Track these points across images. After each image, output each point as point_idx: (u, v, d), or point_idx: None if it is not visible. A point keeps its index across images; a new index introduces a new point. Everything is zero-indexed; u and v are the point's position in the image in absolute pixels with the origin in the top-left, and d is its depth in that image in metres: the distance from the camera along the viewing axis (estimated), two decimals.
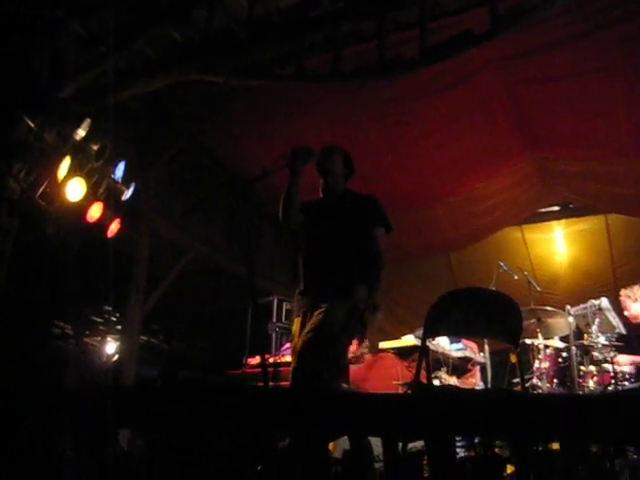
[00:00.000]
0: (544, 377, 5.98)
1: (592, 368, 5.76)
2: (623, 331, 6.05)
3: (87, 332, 8.64)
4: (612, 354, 5.65)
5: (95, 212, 5.27)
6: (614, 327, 6.03)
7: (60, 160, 4.94)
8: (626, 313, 6.27)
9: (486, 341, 6.66)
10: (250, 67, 5.04)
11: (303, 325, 3.88)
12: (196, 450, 2.81)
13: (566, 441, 2.45)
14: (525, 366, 6.01)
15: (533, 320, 6.24)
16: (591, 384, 5.69)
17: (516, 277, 7.10)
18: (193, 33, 5.14)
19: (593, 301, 6.02)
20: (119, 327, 7.18)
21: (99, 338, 8.66)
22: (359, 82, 5.33)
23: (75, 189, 5.05)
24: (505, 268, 7.08)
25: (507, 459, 2.96)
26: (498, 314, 3.86)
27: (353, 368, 6.69)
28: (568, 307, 6.08)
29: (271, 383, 5.24)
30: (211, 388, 3.26)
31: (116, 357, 7.34)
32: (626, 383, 5.59)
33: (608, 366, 5.63)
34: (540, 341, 6.20)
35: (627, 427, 2.33)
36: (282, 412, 2.72)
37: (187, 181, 7.32)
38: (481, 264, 8.46)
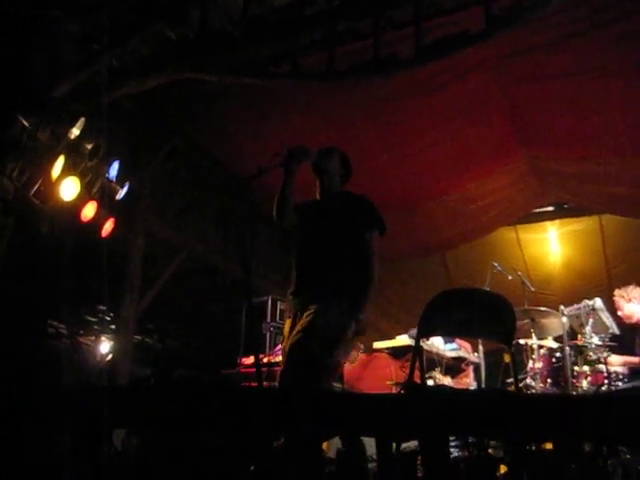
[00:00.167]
0: (538, 377, 5.99)
1: (586, 368, 5.78)
2: (617, 331, 6.07)
3: (81, 331, 8.62)
4: (605, 354, 5.66)
5: (89, 211, 5.26)
6: (608, 327, 6.05)
7: (54, 159, 4.94)
8: (620, 313, 6.29)
9: (480, 341, 6.67)
10: (245, 66, 5.03)
11: (293, 325, 3.87)
12: (190, 449, 2.81)
13: (559, 441, 2.46)
14: (519, 366, 6.02)
15: (527, 320, 6.26)
16: (585, 384, 5.70)
17: (510, 277, 7.11)
18: (188, 32, 5.13)
19: (587, 301, 6.03)
20: (113, 326, 7.16)
21: (93, 337, 8.64)
22: (354, 81, 5.33)
23: (69, 188, 5.04)
24: (499, 268, 7.10)
25: (500, 459, 2.96)
26: (492, 314, 3.87)
27: (347, 368, 6.70)
28: (562, 307, 6.09)
29: (265, 383, 5.24)
30: (204, 387, 3.26)
31: (110, 357, 7.32)
32: (619, 383, 5.60)
33: (602, 366, 5.64)
34: (534, 341, 6.22)
35: (620, 427, 2.33)
36: (276, 411, 2.72)
37: (182, 180, 7.31)
38: (475, 264, 8.48)
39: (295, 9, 4.89)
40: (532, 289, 7.15)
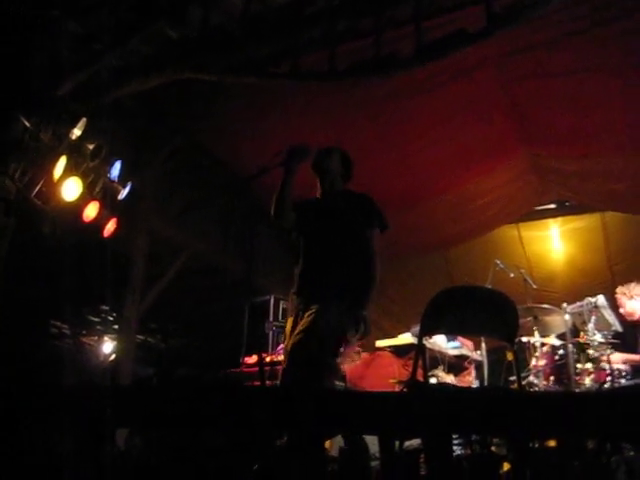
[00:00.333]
0: (541, 375, 5.99)
1: (588, 366, 5.77)
2: (619, 329, 6.06)
3: (84, 332, 8.63)
4: (608, 352, 5.66)
5: (91, 212, 5.27)
6: (610, 325, 6.04)
7: (56, 159, 4.94)
8: (621, 310, 6.28)
9: (483, 339, 6.67)
10: (245, 65, 5.03)
11: (295, 325, 3.87)
12: (193, 448, 2.81)
13: (562, 438, 2.46)
14: (522, 364, 6.02)
15: (530, 318, 6.26)
16: (587, 382, 5.70)
17: (512, 275, 7.11)
18: (188, 31, 5.13)
19: (589, 299, 6.02)
20: (116, 326, 7.18)
21: (96, 337, 8.66)
22: (354, 80, 5.33)
23: (71, 189, 5.05)
24: (501, 266, 7.09)
25: (504, 457, 2.96)
26: (494, 312, 3.87)
27: (350, 367, 6.70)
28: (564, 305, 6.09)
29: (268, 382, 5.24)
30: (207, 387, 3.26)
31: (113, 356, 7.33)
32: (622, 380, 5.60)
33: (604, 364, 5.64)
34: (537, 339, 6.21)
35: (623, 423, 2.33)
36: (278, 410, 2.72)
37: (183, 179, 7.31)
38: (478, 262, 8.47)
39: (295, 8, 4.89)
40: (534, 287, 7.14)
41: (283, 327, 6.55)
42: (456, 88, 5.89)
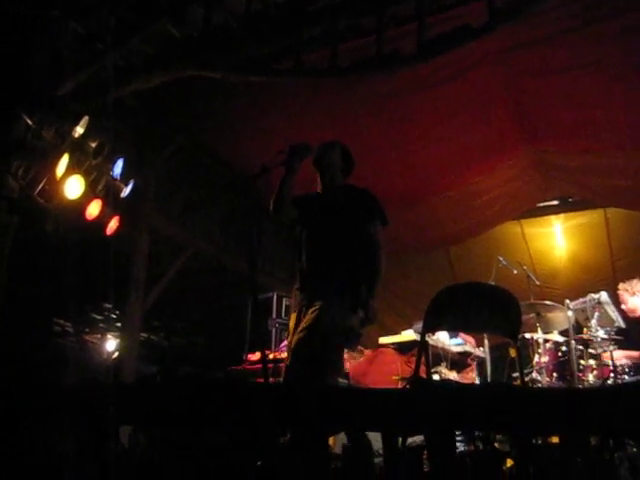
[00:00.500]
0: (544, 371, 5.99)
1: (592, 362, 5.78)
2: (622, 325, 6.06)
3: (87, 330, 8.64)
4: (611, 348, 5.66)
5: (94, 209, 5.27)
6: (613, 321, 6.04)
7: (58, 158, 4.95)
8: (623, 307, 6.28)
9: (485, 336, 6.67)
10: (248, 63, 5.03)
11: (299, 321, 3.88)
12: (196, 446, 2.82)
13: (565, 434, 2.46)
14: (525, 360, 6.02)
15: (532, 314, 6.25)
16: (591, 378, 5.70)
17: (515, 272, 7.10)
18: (191, 29, 5.13)
19: (592, 295, 6.02)
20: (119, 324, 7.19)
21: (99, 335, 8.67)
22: (357, 77, 5.33)
23: (74, 187, 5.05)
24: (504, 263, 7.09)
25: (507, 453, 2.96)
26: (497, 308, 3.87)
27: (353, 363, 6.71)
28: (567, 301, 6.09)
29: (271, 379, 5.25)
30: (210, 384, 3.26)
31: (116, 354, 7.34)
32: (625, 377, 5.60)
33: (607, 360, 5.65)
34: (540, 335, 6.21)
35: (626, 419, 2.33)
36: (282, 408, 2.73)
37: (185, 178, 7.31)
38: (480, 258, 8.47)
39: (298, 5, 4.89)
40: (537, 283, 7.14)
41: (286, 324, 6.57)
42: (459, 85, 5.89)
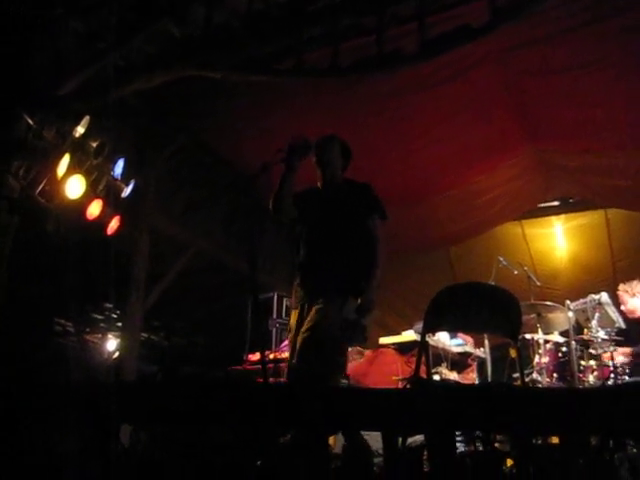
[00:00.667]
0: (544, 372, 5.99)
1: (592, 362, 5.78)
2: (623, 325, 6.06)
3: (88, 329, 8.63)
4: (612, 348, 5.66)
5: (95, 209, 5.27)
6: (614, 322, 6.05)
7: (59, 157, 4.95)
8: (623, 308, 6.29)
9: (486, 336, 6.67)
10: (249, 62, 5.03)
11: (301, 318, 3.88)
12: (199, 444, 2.82)
13: (565, 435, 2.46)
14: (525, 361, 6.02)
15: (533, 315, 6.26)
16: (591, 378, 5.71)
17: (516, 272, 7.10)
18: (192, 29, 5.13)
19: (593, 296, 6.03)
20: (120, 324, 7.18)
21: (100, 335, 8.66)
22: (358, 77, 5.33)
23: (74, 186, 5.05)
24: (505, 263, 7.09)
25: (507, 453, 2.97)
26: (497, 309, 3.87)
27: (353, 364, 6.71)
28: (568, 302, 6.09)
29: (271, 379, 5.25)
30: (211, 385, 3.26)
31: (117, 354, 7.34)
32: (626, 377, 5.60)
33: (608, 361, 5.65)
34: (540, 336, 6.21)
35: (627, 420, 2.34)
36: (283, 407, 2.73)
37: (187, 178, 7.31)
38: (481, 259, 8.47)
39: (299, 5, 4.89)
40: (538, 284, 7.14)
41: (286, 324, 6.57)
42: (459, 84, 5.89)
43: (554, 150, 7.23)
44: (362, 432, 3.34)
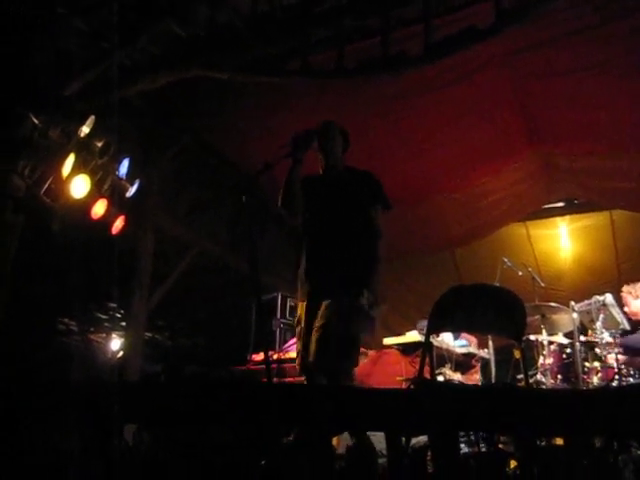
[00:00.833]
0: (548, 373, 5.99)
1: (596, 364, 5.77)
2: (627, 327, 6.05)
3: (92, 329, 8.65)
4: (616, 350, 5.66)
5: (99, 209, 5.28)
6: (619, 323, 6.04)
7: (65, 157, 4.96)
8: (626, 309, 6.27)
9: (490, 337, 6.67)
10: (254, 63, 5.04)
11: (309, 311, 3.87)
12: (201, 444, 2.82)
13: (570, 436, 2.46)
14: (529, 362, 6.01)
15: (537, 316, 6.25)
16: (595, 380, 5.69)
17: (520, 273, 7.10)
18: (196, 29, 5.14)
19: (597, 297, 6.03)
20: (124, 323, 7.20)
21: (104, 334, 8.67)
22: (363, 78, 5.32)
23: (79, 186, 5.06)
24: (509, 264, 7.08)
25: (511, 454, 2.96)
26: (502, 310, 3.86)
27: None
28: (572, 303, 6.08)
29: (275, 379, 5.25)
30: (216, 384, 3.27)
31: (121, 353, 7.35)
32: (630, 379, 5.59)
33: (612, 362, 5.64)
34: (544, 337, 6.20)
35: (631, 421, 2.33)
36: (287, 407, 2.73)
37: (191, 178, 7.32)
38: (486, 260, 8.46)
39: (304, 7, 4.89)
40: (542, 285, 7.14)
41: (290, 325, 6.57)
42: (465, 87, 5.88)
43: (558, 153, 7.23)
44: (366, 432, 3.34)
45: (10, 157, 4.83)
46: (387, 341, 7.11)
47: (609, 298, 6.00)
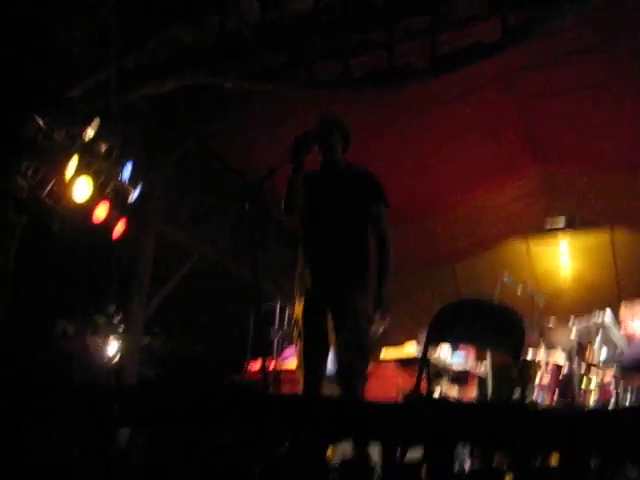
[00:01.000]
0: (545, 391, 5.96)
1: (593, 385, 5.75)
2: (625, 348, 6.00)
3: (90, 331, 8.63)
4: (614, 370, 5.63)
5: (101, 212, 5.28)
6: (616, 345, 5.99)
7: (68, 159, 4.96)
8: (622, 332, 6.22)
9: (488, 352, 6.65)
10: (261, 71, 5.04)
11: (309, 309, 3.86)
12: (200, 444, 2.81)
13: (565, 456, 2.45)
14: (526, 380, 5.99)
15: (536, 333, 6.23)
16: (592, 400, 5.67)
17: (519, 292, 7.06)
18: (205, 36, 5.14)
19: (595, 318, 5.99)
20: (121, 328, 7.19)
21: (101, 338, 8.66)
22: (369, 89, 5.33)
23: (82, 188, 5.06)
24: (508, 281, 7.06)
25: (506, 472, 2.95)
26: (501, 328, 3.85)
27: None
28: (570, 322, 6.06)
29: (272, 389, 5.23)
30: (211, 393, 3.25)
31: (118, 357, 7.34)
32: (626, 402, 5.57)
33: (609, 382, 5.62)
34: (542, 356, 6.18)
35: (628, 444, 2.32)
36: (282, 418, 2.72)
37: (194, 183, 7.32)
38: (485, 274, 8.45)
39: (311, 17, 4.90)
40: (540, 303, 7.11)
41: (289, 335, 6.53)
42: (469, 104, 5.90)
43: (562, 172, 7.26)
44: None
45: (14, 157, 4.84)
46: (385, 355, 7.10)
47: (608, 316, 5.96)
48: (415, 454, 2.97)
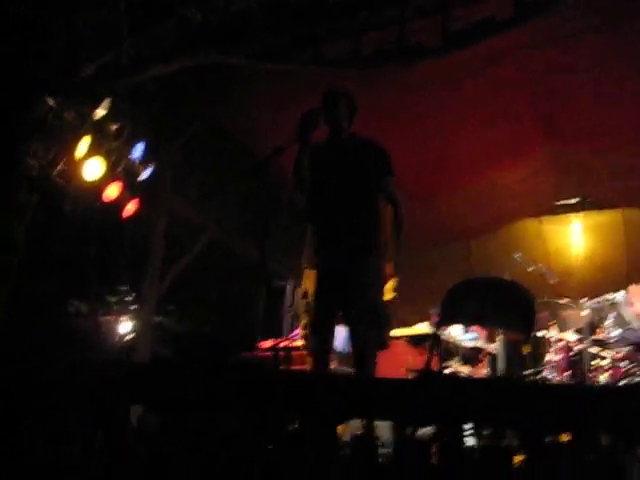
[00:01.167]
0: (556, 369, 5.97)
1: (604, 362, 5.74)
2: (637, 327, 6.00)
3: (102, 311, 8.68)
4: (625, 349, 5.63)
5: (112, 192, 5.29)
6: (627, 323, 5.99)
7: (78, 139, 4.97)
8: (631, 310, 6.21)
9: (500, 331, 6.65)
10: (268, 50, 5.01)
11: (320, 283, 3.85)
12: (206, 432, 2.82)
13: (576, 432, 2.45)
14: (537, 358, 6.00)
15: (547, 312, 6.23)
16: (602, 378, 5.68)
17: (530, 269, 7.05)
18: (213, 15, 5.11)
19: (608, 295, 5.99)
20: (134, 306, 7.23)
21: (113, 317, 8.71)
22: (378, 69, 5.29)
23: (93, 168, 5.08)
24: (520, 260, 7.05)
25: (516, 449, 2.96)
26: (513, 305, 3.85)
27: None
28: (582, 300, 6.06)
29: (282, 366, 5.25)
30: (222, 369, 3.27)
31: (130, 336, 7.39)
32: (638, 379, 5.57)
33: (621, 360, 5.62)
34: (553, 334, 6.18)
35: (636, 420, 2.32)
36: (292, 395, 2.74)
37: (203, 162, 7.32)
38: (499, 253, 8.44)
39: None
40: (552, 281, 7.09)
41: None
42: (481, 81, 5.86)
43: (572, 151, 7.21)
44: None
45: (24, 137, 4.85)
46: (395, 332, 7.10)
47: (620, 297, 5.96)
48: (426, 430, 2.98)
